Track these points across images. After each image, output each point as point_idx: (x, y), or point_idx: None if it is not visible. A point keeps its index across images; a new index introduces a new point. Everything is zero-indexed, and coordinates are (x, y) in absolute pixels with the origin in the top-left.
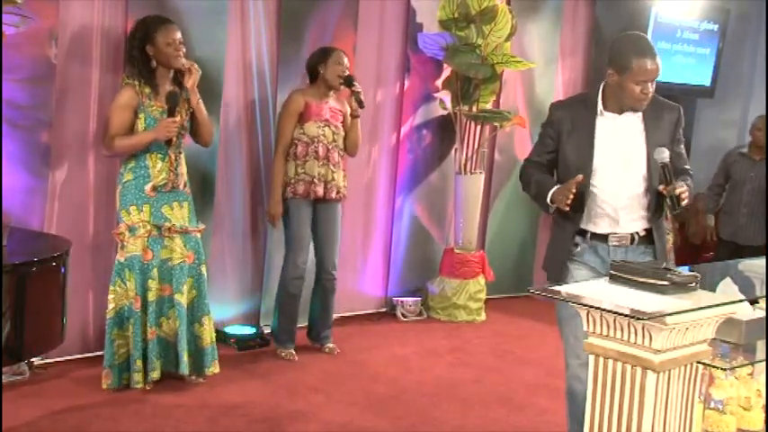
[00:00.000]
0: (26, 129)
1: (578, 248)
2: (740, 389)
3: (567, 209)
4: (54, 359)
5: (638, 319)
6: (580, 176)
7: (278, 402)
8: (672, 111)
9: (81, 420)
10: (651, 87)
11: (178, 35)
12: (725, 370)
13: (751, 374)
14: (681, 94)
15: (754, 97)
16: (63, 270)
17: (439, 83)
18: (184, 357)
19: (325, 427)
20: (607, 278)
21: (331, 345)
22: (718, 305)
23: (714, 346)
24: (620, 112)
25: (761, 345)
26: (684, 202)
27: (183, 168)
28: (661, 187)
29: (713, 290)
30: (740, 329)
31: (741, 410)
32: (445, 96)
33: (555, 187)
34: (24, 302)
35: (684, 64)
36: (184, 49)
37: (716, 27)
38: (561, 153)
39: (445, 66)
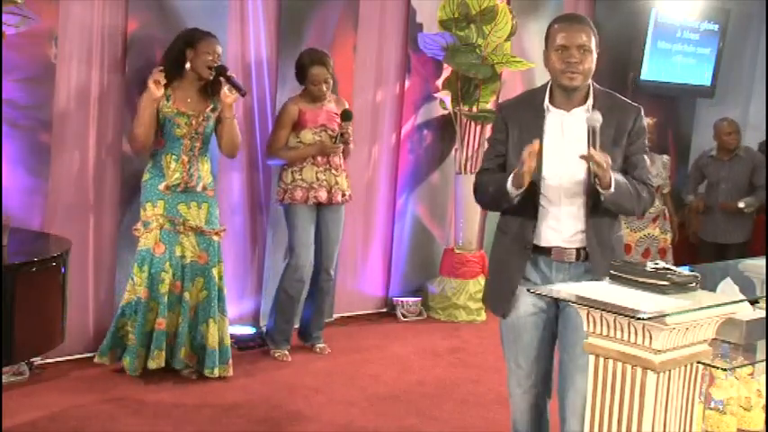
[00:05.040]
0: (26, 129)
1: (529, 264)
2: (740, 389)
3: (529, 175)
4: (54, 359)
5: (638, 319)
6: (536, 144)
7: (278, 402)
8: (626, 112)
9: (81, 420)
10: (579, 57)
11: (219, 49)
12: (725, 370)
13: (751, 374)
14: (681, 94)
15: (754, 97)
16: (63, 270)
17: (439, 83)
18: (180, 354)
19: (325, 427)
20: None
21: (322, 345)
22: (718, 305)
23: (714, 347)
24: (569, 108)
25: (761, 345)
26: (599, 171)
27: (203, 172)
28: (580, 154)
29: (713, 290)
30: (740, 330)
31: (741, 410)
32: (445, 96)
33: (512, 172)
34: (24, 303)
35: (684, 64)
36: (216, 65)
37: (716, 27)
38: (509, 160)
39: (445, 66)
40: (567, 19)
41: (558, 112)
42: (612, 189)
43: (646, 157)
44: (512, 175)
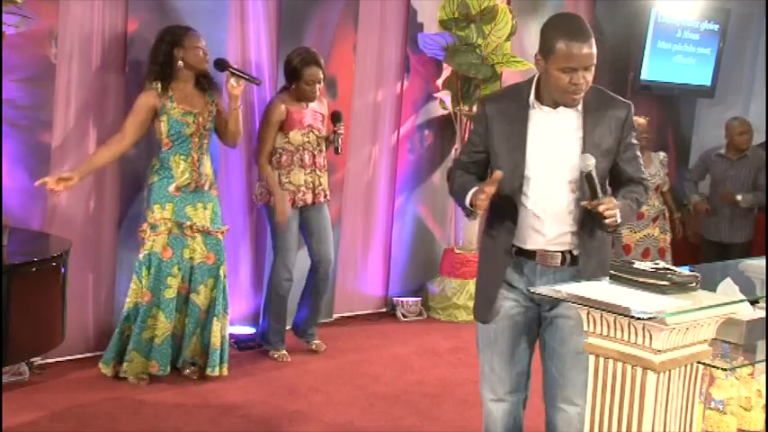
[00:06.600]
0: (26, 129)
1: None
2: (740, 389)
3: (480, 211)
4: (54, 359)
5: (638, 319)
6: (498, 173)
7: (278, 402)
8: (618, 108)
9: (81, 420)
10: (585, 77)
11: (204, 42)
12: (725, 370)
13: (751, 374)
14: (681, 94)
15: (754, 97)
16: (63, 270)
17: (439, 83)
18: (186, 352)
19: (326, 427)
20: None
21: (317, 341)
22: (718, 305)
23: (714, 347)
24: (556, 105)
25: (761, 345)
26: (608, 221)
27: (208, 169)
28: (584, 202)
29: (713, 290)
30: (741, 329)
31: (741, 410)
32: (445, 96)
33: (475, 188)
34: (24, 303)
35: (685, 64)
36: (209, 57)
37: (716, 27)
38: (492, 156)
39: (445, 66)
40: (572, 34)
41: (545, 110)
42: (618, 220)
43: (638, 151)
44: (472, 192)
